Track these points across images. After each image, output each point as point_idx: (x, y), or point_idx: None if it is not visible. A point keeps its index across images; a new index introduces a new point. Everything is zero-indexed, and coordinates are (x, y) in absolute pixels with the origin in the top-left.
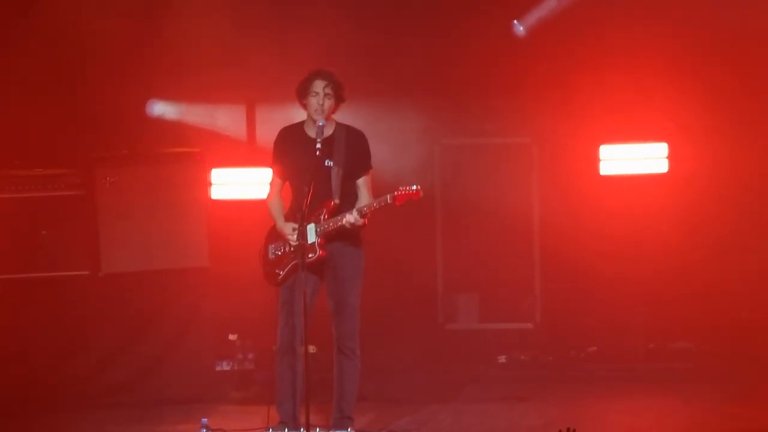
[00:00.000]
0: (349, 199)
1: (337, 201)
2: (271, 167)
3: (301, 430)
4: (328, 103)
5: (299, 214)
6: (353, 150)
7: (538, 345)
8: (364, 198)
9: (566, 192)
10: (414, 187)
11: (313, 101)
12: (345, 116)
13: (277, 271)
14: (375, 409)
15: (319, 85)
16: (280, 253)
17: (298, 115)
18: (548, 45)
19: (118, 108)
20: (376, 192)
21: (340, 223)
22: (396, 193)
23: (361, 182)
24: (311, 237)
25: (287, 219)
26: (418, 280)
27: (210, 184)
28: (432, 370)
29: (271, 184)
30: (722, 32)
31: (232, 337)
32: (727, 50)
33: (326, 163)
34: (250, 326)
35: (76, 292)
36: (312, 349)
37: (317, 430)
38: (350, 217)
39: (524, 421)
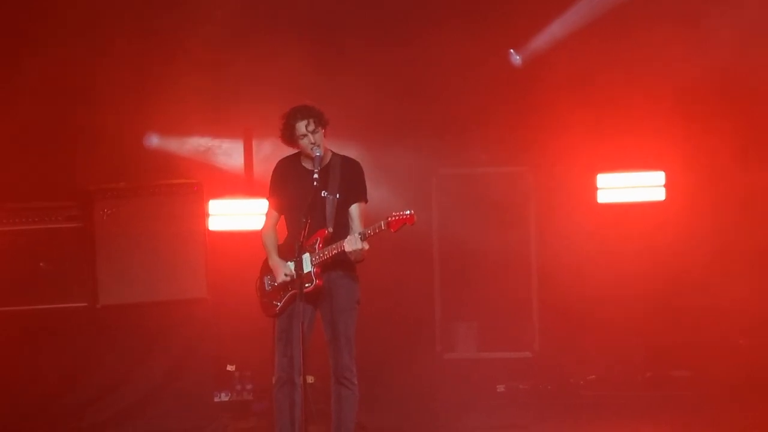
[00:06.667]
0: (343, 229)
1: (330, 230)
2: (267, 199)
3: None
4: (318, 136)
5: (297, 245)
6: (348, 179)
7: (536, 374)
8: (356, 227)
9: (563, 220)
10: (408, 212)
11: (305, 142)
12: (341, 147)
13: (274, 302)
14: None
15: (302, 126)
16: (276, 285)
17: None
18: (544, 74)
19: (116, 141)
20: (373, 221)
21: (335, 251)
22: (390, 218)
23: (354, 210)
24: (306, 266)
25: (282, 251)
26: (416, 310)
27: (208, 215)
28: (430, 399)
29: (267, 215)
30: (719, 61)
31: (230, 367)
32: (724, 78)
33: (322, 194)
34: (249, 357)
35: (74, 324)
36: (310, 379)
37: None
38: (351, 239)
39: None
